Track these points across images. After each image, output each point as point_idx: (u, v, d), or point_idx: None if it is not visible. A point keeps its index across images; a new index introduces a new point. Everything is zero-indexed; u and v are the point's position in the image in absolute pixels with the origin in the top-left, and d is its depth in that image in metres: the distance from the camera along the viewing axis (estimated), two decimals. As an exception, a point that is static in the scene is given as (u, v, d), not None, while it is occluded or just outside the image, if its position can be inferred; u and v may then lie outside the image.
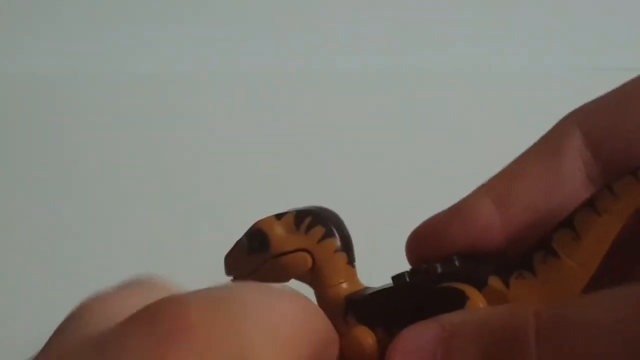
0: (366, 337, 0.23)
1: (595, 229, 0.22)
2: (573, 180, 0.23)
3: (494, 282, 0.22)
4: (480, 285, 0.22)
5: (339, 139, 0.59)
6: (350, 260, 0.25)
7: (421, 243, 0.24)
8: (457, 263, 0.23)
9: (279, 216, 0.25)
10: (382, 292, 0.24)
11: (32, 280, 0.51)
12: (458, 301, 0.22)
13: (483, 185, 0.24)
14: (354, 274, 0.25)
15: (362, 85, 0.65)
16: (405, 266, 0.24)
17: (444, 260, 0.24)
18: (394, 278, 0.24)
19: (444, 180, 0.54)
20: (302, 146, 0.58)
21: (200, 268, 0.53)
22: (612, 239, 0.22)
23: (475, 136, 0.55)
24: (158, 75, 0.65)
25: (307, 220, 0.25)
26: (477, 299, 0.22)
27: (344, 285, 0.24)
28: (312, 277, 0.24)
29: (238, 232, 0.24)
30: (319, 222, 0.25)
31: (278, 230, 0.24)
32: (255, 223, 0.25)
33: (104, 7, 0.67)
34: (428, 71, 0.65)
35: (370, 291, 0.24)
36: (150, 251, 0.53)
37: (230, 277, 0.26)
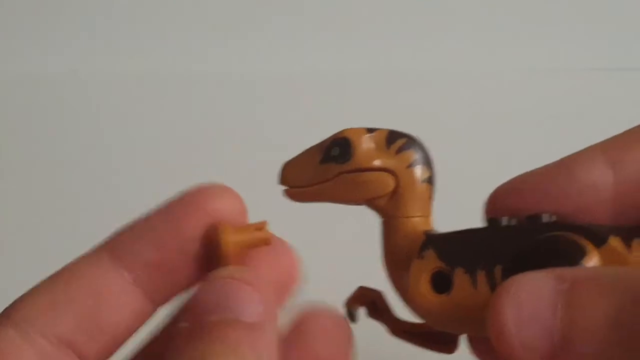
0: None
1: None
2: None
3: (615, 242, 0.20)
4: (599, 242, 0.20)
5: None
6: (432, 196, 0.23)
7: (512, 196, 0.23)
8: (552, 219, 0.21)
9: (370, 130, 0.22)
10: (474, 232, 0.22)
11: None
12: (573, 255, 0.20)
13: (598, 144, 0.22)
14: (431, 212, 0.23)
15: (362, 85, 0.64)
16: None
17: (534, 216, 0.21)
18: (489, 221, 0.22)
19: (445, 181, 0.54)
20: (302, 147, 0.58)
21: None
22: None
23: (478, 137, 0.55)
24: (157, 76, 0.65)
25: (401, 141, 0.22)
26: (595, 256, 0.20)
27: (421, 219, 0.22)
28: (389, 202, 0.22)
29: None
30: (412, 146, 0.23)
31: (367, 143, 0.22)
32: (342, 130, 0.23)
33: (104, 6, 0.67)
34: (428, 71, 0.64)
35: (456, 231, 0.22)
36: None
37: (285, 187, 0.23)
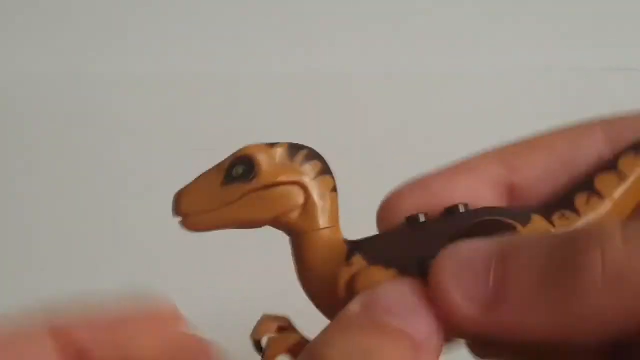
0: (388, 277, 0.21)
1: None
2: (588, 160, 0.23)
3: (538, 220, 0.21)
4: (524, 221, 0.21)
5: (340, 140, 0.59)
6: (338, 205, 0.22)
7: (416, 194, 0.23)
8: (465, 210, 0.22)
9: (270, 145, 0.22)
10: (398, 233, 0.22)
11: (43, 282, 0.51)
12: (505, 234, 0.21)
13: (494, 151, 0.24)
14: (339, 221, 0.22)
15: (363, 86, 0.64)
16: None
17: (452, 208, 0.22)
18: (408, 219, 0.22)
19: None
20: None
21: (197, 269, 0.53)
22: None
23: (480, 138, 0.55)
24: (157, 75, 0.65)
25: (303, 152, 0.22)
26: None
27: (334, 229, 0.22)
28: (300, 217, 0.22)
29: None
30: (316, 157, 0.22)
31: (270, 158, 0.22)
32: (242, 149, 0.22)
33: (103, 6, 0.67)
34: (428, 72, 0.64)
35: (375, 235, 0.22)
36: (147, 252, 0.53)
37: (180, 218, 0.22)
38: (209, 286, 0.51)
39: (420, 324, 0.20)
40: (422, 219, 0.22)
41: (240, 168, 0.21)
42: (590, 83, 0.62)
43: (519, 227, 0.21)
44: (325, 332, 0.20)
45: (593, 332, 0.19)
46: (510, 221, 0.21)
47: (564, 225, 0.21)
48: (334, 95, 0.63)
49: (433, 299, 0.20)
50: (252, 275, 0.51)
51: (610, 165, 0.21)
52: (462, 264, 0.20)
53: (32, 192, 0.54)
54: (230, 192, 0.21)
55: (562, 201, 0.21)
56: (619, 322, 0.19)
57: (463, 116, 0.60)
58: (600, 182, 0.21)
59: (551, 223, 0.21)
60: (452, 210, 0.22)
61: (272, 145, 0.22)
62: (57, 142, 0.59)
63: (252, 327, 0.23)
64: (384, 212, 0.24)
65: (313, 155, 0.22)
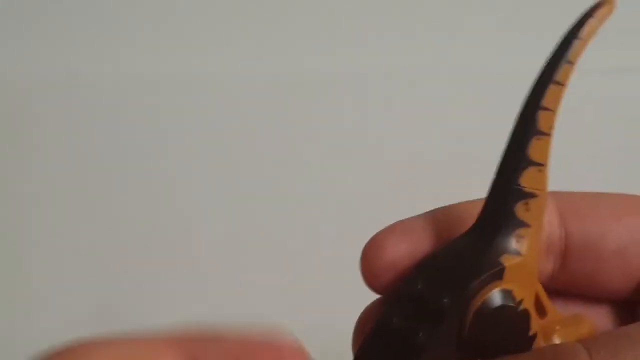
0: None
1: (548, 150, 0.21)
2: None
3: (508, 260, 0.21)
4: (500, 273, 0.20)
5: (341, 140, 0.59)
6: None
7: (397, 240, 0.23)
8: (426, 278, 0.21)
9: None
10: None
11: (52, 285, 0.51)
12: (523, 322, 0.21)
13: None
14: None
15: (362, 86, 0.64)
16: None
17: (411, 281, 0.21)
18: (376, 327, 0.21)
19: (447, 181, 0.54)
20: (304, 147, 0.58)
21: (195, 274, 0.53)
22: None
23: (482, 137, 0.55)
24: (157, 75, 0.65)
25: None
26: (520, 294, 0.21)
27: None
28: None
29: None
30: None
31: None
32: None
33: (102, 6, 0.67)
34: (428, 71, 0.64)
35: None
36: (144, 253, 0.53)
37: None
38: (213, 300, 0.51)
39: None
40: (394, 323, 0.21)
41: None
42: (590, 83, 0.62)
43: (513, 287, 0.20)
44: None
45: None
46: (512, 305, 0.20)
47: (526, 243, 0.21)
48: (333, 96, 0.63)
49: None
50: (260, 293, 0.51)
51: (524, 160, 0.21)
52: None
53: (30, 191, 0.54)
54: None
55: (507, 221, 0.21)
56: None
57: (463, 116, 0.60)
58: (526, 181, 0.21)
59: (518, 254, 0.21)
60: (408, 293, 0.21)
61: None
62: (59, 142, 0.59)
63: None
64: (367, 265, 0.23)
65: None
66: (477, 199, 0.23)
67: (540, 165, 0.21)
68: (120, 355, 0.19)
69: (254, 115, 0.61)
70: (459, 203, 0.23)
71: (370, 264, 0.23)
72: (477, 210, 0.22)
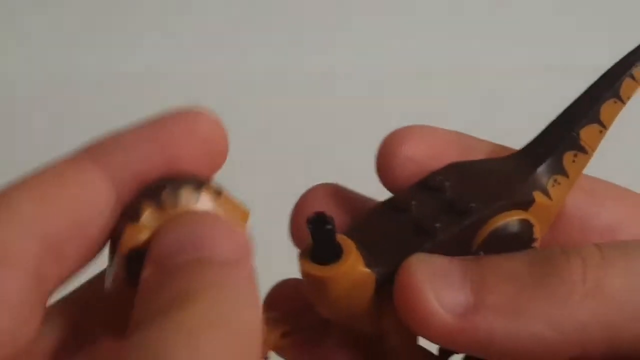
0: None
1: (615, 117, 0.21)
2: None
3: (539, 197, 0.21)
4: (528, 204, 0.21)
5: (341, 140, 0.59)
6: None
7: (425, 141, 0.23)
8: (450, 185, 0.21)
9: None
10: (384, 215, 0.21)
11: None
12: (528, 235, 0.21)
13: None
14: None
15: (363, 85, 0.65)
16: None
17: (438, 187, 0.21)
18: (420, 184, 0.21)
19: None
20: (303, 148, 0.58)
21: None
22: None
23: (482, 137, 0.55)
24: (156, 75, 0.65)
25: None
26: (538, 233, 0.21)
27: None
28: None
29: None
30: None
31: None
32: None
33: (102, 6, 0.67)
34: (429, 71, 0.65)
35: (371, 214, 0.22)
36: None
37: None
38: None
39: (220, 246, 0.18)
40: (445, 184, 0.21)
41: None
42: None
43: (530, 218, 0.20)
44: None
45: (570, 346, 0.19)
46: (524, 217, 0.20)
47: (558, 192, 0.21)
48: (333, 96, 0.64)
49: (403, 303, 0.20)
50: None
51: (593, 117, 0.21)
52: (436, 272, 0.20)
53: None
54: None
55: (552, 162, 0.21)
56: (597, 335, 0.19)
57: (462, 116, 0.60)
58: (585, 136, 0.21)
59: (549, 196, 0.21)
60: (434, 186, 0.21)
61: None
62: (59, 142, 0.59)
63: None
64: (384, 157, 0.23)
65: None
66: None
67: (604, 127, 0.21)
68: (46, 180, 0.19)
69: (254, 115, 0.62)
70: (494, 144, 0.23)
71: (388, 155, 0.22)
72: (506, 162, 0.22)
